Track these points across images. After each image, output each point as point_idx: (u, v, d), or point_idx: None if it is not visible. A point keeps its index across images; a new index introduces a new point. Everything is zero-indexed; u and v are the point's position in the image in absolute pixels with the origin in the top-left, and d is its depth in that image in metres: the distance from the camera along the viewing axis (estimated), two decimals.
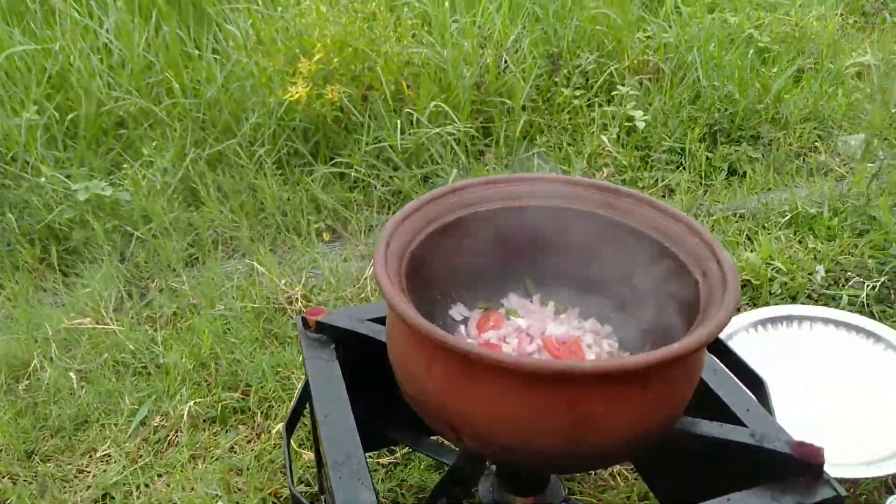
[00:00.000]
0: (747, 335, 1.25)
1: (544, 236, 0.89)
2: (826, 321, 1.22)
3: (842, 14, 3.64)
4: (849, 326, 1.20)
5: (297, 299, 1.81)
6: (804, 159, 2.55)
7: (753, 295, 1.80)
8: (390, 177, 2.39)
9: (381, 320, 0.88)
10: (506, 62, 2.79)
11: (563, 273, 0.90)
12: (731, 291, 0.73)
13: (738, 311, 1.76)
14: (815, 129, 2.67)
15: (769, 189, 2.34)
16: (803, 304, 1.76)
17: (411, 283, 0.77)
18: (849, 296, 1.78)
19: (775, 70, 2.89)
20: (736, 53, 2.92)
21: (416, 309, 0.84)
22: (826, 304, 1.78)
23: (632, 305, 0.90)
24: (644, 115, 2.54)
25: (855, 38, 3.43)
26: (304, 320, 0.97)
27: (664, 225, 0.85)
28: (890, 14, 3.72)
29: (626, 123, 2.55)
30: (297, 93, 2.34)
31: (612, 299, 0.92)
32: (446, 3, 3.10)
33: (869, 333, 1.19)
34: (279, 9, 2.70)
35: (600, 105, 2.67)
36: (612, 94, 2.69)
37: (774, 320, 1.26)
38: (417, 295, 0.77)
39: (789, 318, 1.25)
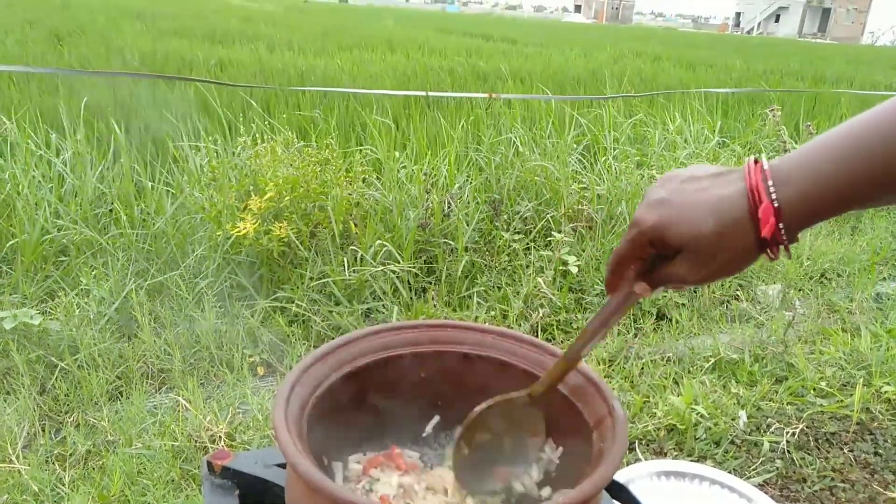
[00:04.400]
0: (650, 482, 1.27)
1: (451, 381, 0.92)
2: (713, 481, 1.29)
3: None
4: (731, 489, 1.26)
5: (220, 437, 1.74)
6: (727, 306, 2.70)
7: (679, 440, 1.83)
8: (331, 311, 2.41)
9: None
10: (450, 206, 2.96)
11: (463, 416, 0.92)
12: (619, 443, 0.76)
13: (666, 455, 1.78)
14: (735, 279, 2.85)
15: (695, 334, 2.45)
16: (727, 449, 1.80)
17: (317, 430, 0.77)
18: (770, 442, 1.83)
19: None
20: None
21: (322, 456, 0.84)
22: (748, 451, 1.82)
23: (535, 452, 0.92)
24: (577, 260, 2.68)
25: None
26: (210, 464, 0.94)
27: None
28: None
29: (561, 267, 2.68)
30: (244, 228, 2.41)
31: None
32: (396, 153, 3.32)
33: (749, 499, 1.24)
34: (238, 148, 2.85)
35: (537, 249, 2.82)
36: (549, 239, 2.85)
37: (677, 474, 1.29)
38: (322, 443, 0.78)
39: (691, 476, 1.29)
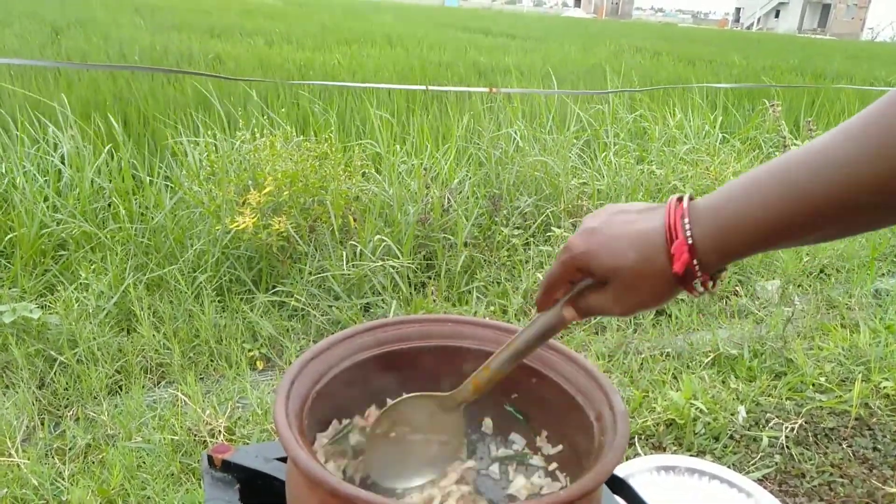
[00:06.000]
0: (649, 477, 1.28)
1: (451, 375, 0.92)
2: (712, 476, 1.29)
3: None
4: (730, 483, 1.27)
5: (220, 431, 1.74)
6: (726, 302, 2.70)
7: (678, 434, 1.83)
8: (330, 306, 2.41)
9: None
10: (450, 201, 2.95)
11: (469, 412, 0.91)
12: (620, 437, 0.76)
13: (665, 450, 1.78)
14: (735, 274, 2.85)
15: (694, 329, 2.46)
16: (726, 444, 1.80)
17: (317, 424, 0.77)
18: (769, 437, 1.83)
19: None
20: (661, 201, 3.16)
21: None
22: (747, 446, 1.82)
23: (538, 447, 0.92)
24: None
25: None
26: (210, 458, 0.94)
27: (562, 367, 0.89)
28: None
29: None
30: (244, 222, 2.41)
31: (524, 438, 0.93)
32: (397, 146, 3.32)
33: (748, 493, 1.25)
34: (237, 143, 2.84)
35: (537, 244, 2.81)
36: (548, 234, 2.85)
37: (676, 469, 1.30)
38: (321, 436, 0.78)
39: (690, 471, 1.30)
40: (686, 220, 0.52)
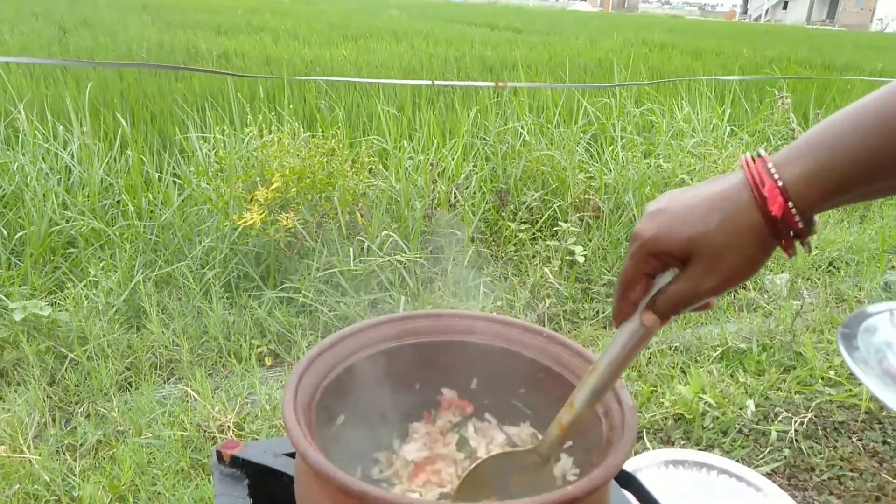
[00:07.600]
0: (658, 471, 1.28)
1: (459, 370, 0.92)
2: (720, 471, 1.29)
3: None
4: (739, 478, 1.26)
5: (229, 427, 1.75)
6: (734, 295, 2.69)
7: (687, 429, 1.83)
8: (337, 301, 2.42)
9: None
10: (456, 196, 2.95)
11: (476, 407, 0.92)
12: (629, 432, 0.76)
13: (673, 444, 1.78)
14: None
15: (702, 323, 2.45)
16: (734, 438, 1.80)
17: (325, 419, 0.78)
18: (778, 431, 1.82)
19: None
20: None
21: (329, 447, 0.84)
22: (756, 440, 1.81)
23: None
24: (584, 249, 2.67)
25: None
26: (219, 454, 0.94)
27: (570, 362, 0.88)
28: None
29: (568, 257, 2.68)
30: (251, 219, 2.41)
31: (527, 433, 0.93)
32: (404, 142, 3.31)
33: (757, 488, 1.25)
34: (245, 139, 2.85)
35: (544, 239, 2.81)
36: (555, 229, 2.84)
37: (685, 463, 1.30)
38: (331, 433, 0.78)
39: (698, 465, 1.29)
40: (770, 166, 0.49)
